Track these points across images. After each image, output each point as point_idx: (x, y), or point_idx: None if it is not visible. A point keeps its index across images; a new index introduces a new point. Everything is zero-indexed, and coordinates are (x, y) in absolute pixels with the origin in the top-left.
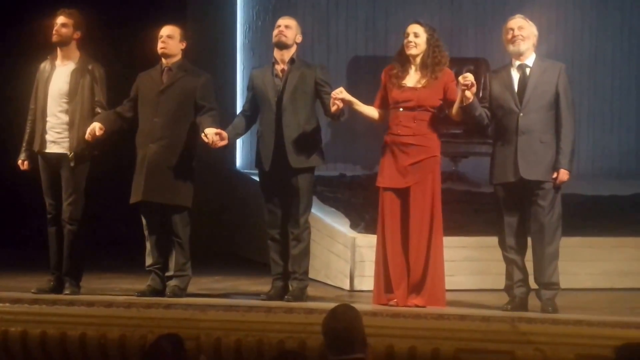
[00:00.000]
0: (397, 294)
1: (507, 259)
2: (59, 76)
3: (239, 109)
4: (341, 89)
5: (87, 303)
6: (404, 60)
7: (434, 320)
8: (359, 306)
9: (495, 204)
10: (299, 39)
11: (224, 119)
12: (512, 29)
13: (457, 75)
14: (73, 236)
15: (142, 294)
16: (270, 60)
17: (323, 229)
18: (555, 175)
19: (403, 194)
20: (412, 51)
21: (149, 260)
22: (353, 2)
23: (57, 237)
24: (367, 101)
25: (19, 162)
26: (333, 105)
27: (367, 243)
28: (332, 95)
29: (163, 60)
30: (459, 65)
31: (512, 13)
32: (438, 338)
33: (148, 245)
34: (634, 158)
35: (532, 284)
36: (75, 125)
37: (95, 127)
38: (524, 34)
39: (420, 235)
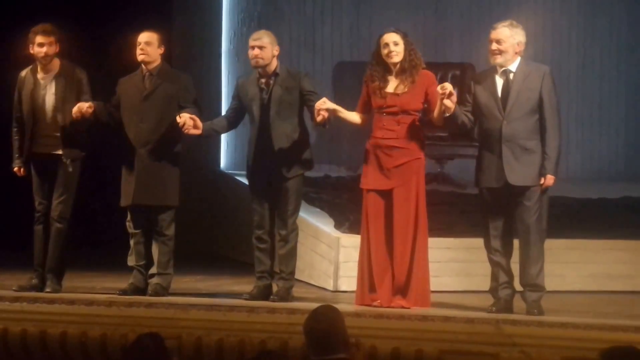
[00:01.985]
0: (380, 294)
1: (492, 261)
2: (45, 86)
3: (223, 113)
4: (324, 99)
5: (68, 301)
6: (382, 69)
7: (418, 321)
8: (342, 307)
9: (480, 207)
10: (276, 51)
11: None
12: (492, 42)
13: (441, 80)
14: (60, 234)
15: (124, 292)
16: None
17: (307, 229)
18: (542, 181)
19: (387, 196)
20: (395, 59)
21: (132, 259)
22: (338, 8)
23: (43, 236)
24: (353, 106)
25: (15, 169)
26: (318, 115)
27: (352, 243)
28: (315, 106)
29: (143, 66)
30: (444, 70)
31: (499, 18)
32: (422, 339)
33: (132, 243)
34: (623, 161)
35: (518, 287)
36: (68, 128)
37: (84, 105)
38: (503, 47)
39: (404, 236)
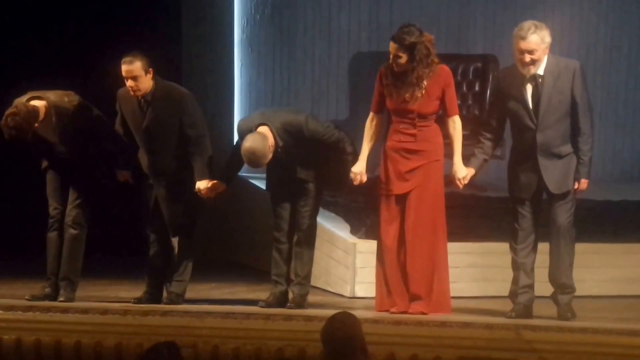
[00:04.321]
0: (397, 300)
1: (515, 264)
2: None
3: (236, 107)
4: (361, 171)
5: (82, 310)
6: (395, 72)
7: (436, 327)
8: (359, 313)
9: (511, 211)
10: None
11: (220, 118)
12: (523, 52)
13: (463, 74)
14: (74, 241)
15: (138, 300)
16: (269, 57)
17: (323, 234)
18: (576, 185)
19: (404, 200)
20: (399, 68)
21: (149, 268)
22: None
23: (57, 242)
24: (369, 98)
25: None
26: (355, 181)
27: (368, 249)
28: (357, 180)
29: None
30: (466, 63)
31: (524, 7)
32: (440, 346)
33: (151, 251)
34: None
35: (539, 291)
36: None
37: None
38: (536, 56)
39: (420, 239)
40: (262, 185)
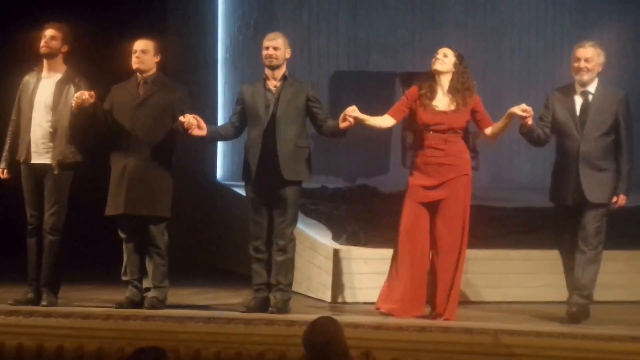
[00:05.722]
0: (405, 304)
1: (567, 272)
2: (45, 87)
3: (219, 122)
4: (354, 107)
5: (64, 314)
6: (432, 82)
7: (416, 332)
8: (340, 318)
9: (554, 220)
10: (288, 54)
11: None
12: (580, 59)
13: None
14: (54, 247)
15: (120, 305)
16: (254, 75)
17: (305, 241)
18: (615, 200)
19: (431, 208)
20: (437, 66)
21: (126, 272)
22: (334, 16)
23: (37, 248)
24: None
25: None
26: (344, 121)
27: (350, 255)
28: (346, 112)
29: (138, 74)
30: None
31: (492, 28)
32: (420, 350)
33: (125, 256)
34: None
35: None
36: (59, 134)
37: (85, 92)
38: (590, 65)
39: (450, 249)
40: (243, 192)
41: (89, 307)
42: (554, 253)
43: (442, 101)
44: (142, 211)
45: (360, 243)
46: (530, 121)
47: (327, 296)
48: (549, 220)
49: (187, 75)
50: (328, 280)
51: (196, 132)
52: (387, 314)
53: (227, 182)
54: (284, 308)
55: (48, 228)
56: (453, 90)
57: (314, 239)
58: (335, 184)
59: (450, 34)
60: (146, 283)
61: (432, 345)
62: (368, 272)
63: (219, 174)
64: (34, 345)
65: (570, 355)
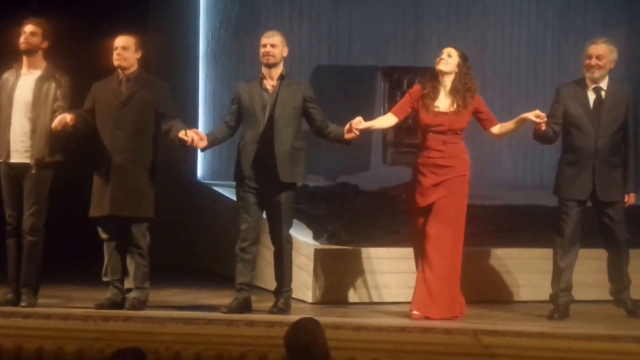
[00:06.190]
0: (422, 306)
1: (558, 268)
2: (24, 84)
3: (200, 119)
4: (360, 119)
5: (44, 316)
6: (435, 82)
7: (396, 332)
8: (321, 319)
9: (558, 215)
10: (285, 52)
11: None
12: (591, 57)
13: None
14: (33, 247)
15: (100, 306)
16: (235, 70)
17: None
18: (626, 198)
19: (428, 210)
20: (441, 66)
21: (107, 273)
22: (316, 10)
23: (16, 249)
24: (330, 110)
25: None
26: (349, 132)
27: (331, 255)
28: (352, 124)
29: (119, 70)
30: (422, 75)
31: (475, 22)
32: (400, 351)
33: (106, 257)
34: None
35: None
36: (38, 133)
37: (67, 117)
38: (601, 63)
39: (439, 247)
40: (224, 192)
41: (68, 308)
42: (534, 252)
43: (443, 102)
44: (126, 212)
45: (341, 242)
46: (544, 126)
47: (309, 296)
48: (534, 219)
49: (168, 69)
50: (309, 280)
51: (200, 145)
52: (424, 318)
53: (207, 181)
54: (286, 309)
55: (27, 228)
56: (454, 91)
57: (295, 239)
58: (316, 182)
59: (432, 28)
60: (127, 284)
61: (412, 346)
62: (349, 271)
63: (200, 173)
64: (13, 347)
65: (550, 355)
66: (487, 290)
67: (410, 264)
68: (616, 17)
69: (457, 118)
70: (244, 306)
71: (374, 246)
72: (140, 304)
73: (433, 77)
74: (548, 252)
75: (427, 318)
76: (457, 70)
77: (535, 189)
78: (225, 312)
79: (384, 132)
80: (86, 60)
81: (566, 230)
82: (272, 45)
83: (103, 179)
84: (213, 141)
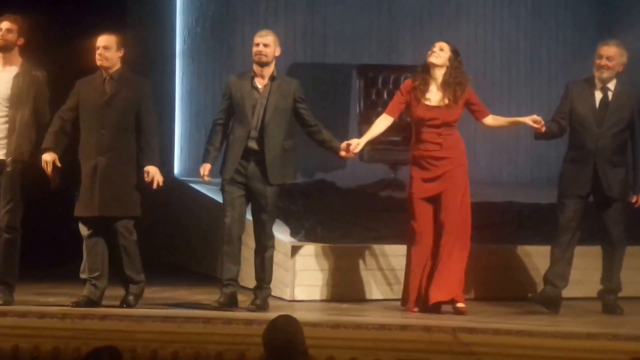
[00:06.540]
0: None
1: (552, 258)
2: (1, 81)
3: (177, 116)
4: (358, 142)
5: (20, 314)
6: (426, 76)
7: (375, 330)
8: (299, 316)
9: (558, 211)
10: (277, 52)
11: (161, 126)
12: (602, 57)
13: (394, 83)
14: (10, 245)
15: (77, 304)
16: (211, 68)
17: None
18: (635, 199)
19: (433, 202)
20: (433, 59)
21: (85, 270)
22: (291, 8)
23: None
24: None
25: None
26: (347, 152)
27: (308, 252)
28: (350, 147)
29: (103, 70)
30: (397, 72)
31: (449, 21)
32: (379, 349)
33: (85, 254)
34: None
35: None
36: (15, 130)
37: (55, 160)
38: (611, 64)
39: (456, 240)
40: (202, 189)
41: (45, 307)
42: (510, 248)
43: (434, 95)
44: (114, 212)
45: (319, 239)
46: (543, 129)
47: (286, 294)
48: (509, 215)
49: (145, 67)
50: (287, 277)
51: (207, 178)
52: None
53: (185, 178)
54: (264, 306)
55: (3, 226)
56: (445, 84)
57: None
58: (290, 181)
59: (406, 26)
60: (102, 282)
61: (391, 344)
62: (326, 268)
63: (177, 170)
64: None
65: (529, 353)
66: (465, 287)
67: (388, 260)
68: (588, 12)
69: (450, 111)
70: (232, 301)
71: (352, 243)
72: (136, 300)
73: (424, 70)
74: (523, 248)
75: (454, 302)
76: (448, 64)
77: (511, 185)
78: (215, 307)
79: (360, 129)
80: (63, 58)
81: (562, 222)
82: (265, 45)
83: (90, 179)
84: (214, 159)
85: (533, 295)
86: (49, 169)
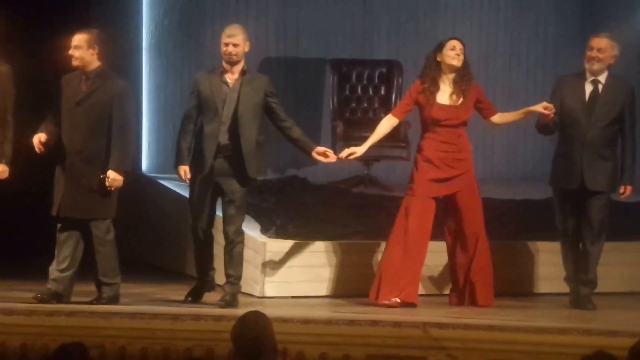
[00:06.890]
0: (405, 289)
1: (563, 257)
2: None
3: (144, 110)
4: (356, 150)
5: None
6: (436, 76)
7: (345, 326)
8: (269, 313)
9: (553, 206)
10: (247, 48)
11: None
12: (593, 49)
13: (368, 78)
14: None
15: (41, 297)
16: (179, 61)
17: None
18: (622, 190)
19: (448, 203)
20: (455, 62)
21: (53, 263)
22: (264, 3)
23: None
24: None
25: None
26: (325, 157)
27: (278, 248)
28: (349, 156)
29: (79, 69)
30: (372, 67)
31: (426, 15)
32: (349, 344)
33: (57, 248)
34: (548, 162)
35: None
36: None
37: (40, 137)
38: (602, 56)
39: (479, 238)
40: (170, 185)
41: (12, 303)
42: (493, 245)
43: (447, 95)
44: (77, 215)
45: (289, 236)
46: (551, 116)
47: (256, 290)
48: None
49: (112, 61)
50: (256, 273)
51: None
52: (395, 305)
53: (153, 175)
54: (233, 302)
55: None
56: (455, 84)
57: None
58: (263, 176)
59: (381, 20)
60: (70, 273)
61: (361, 339)
62: (297, 265)
63: (145, 166)
64: None
65: (499, 348)
66: (438, 283)
67: (360, 257)
68: (568, 12)
69: (464, 110)
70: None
71: (323, 240)
72: (111, 301)
73: (433, 69)
74: (497, 245)
75: (480, 306)
76: (466, 61)
77: (486, 181)
78: (189, 302)
79: (333, 125)
80: (25, 53)
81: (557, 218)
82: (235, 45)
83: (59, 179)
84: (189, 159)
85: (570, 299)
86: (38, 146)
